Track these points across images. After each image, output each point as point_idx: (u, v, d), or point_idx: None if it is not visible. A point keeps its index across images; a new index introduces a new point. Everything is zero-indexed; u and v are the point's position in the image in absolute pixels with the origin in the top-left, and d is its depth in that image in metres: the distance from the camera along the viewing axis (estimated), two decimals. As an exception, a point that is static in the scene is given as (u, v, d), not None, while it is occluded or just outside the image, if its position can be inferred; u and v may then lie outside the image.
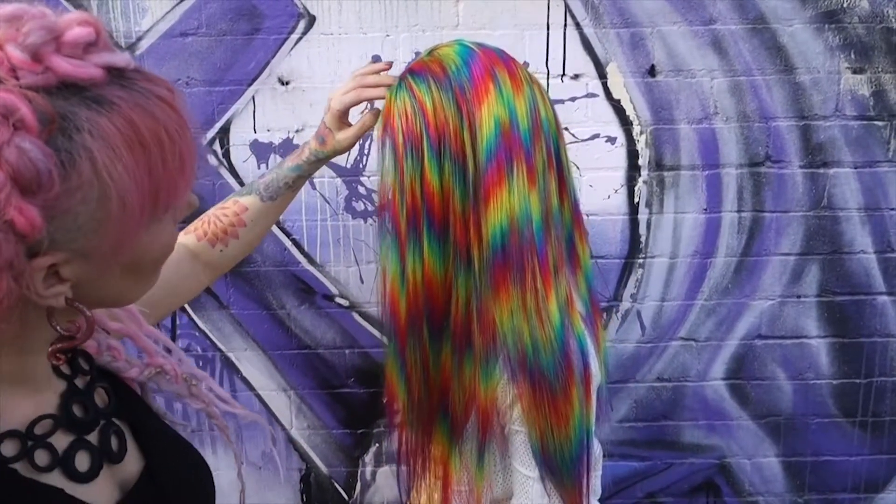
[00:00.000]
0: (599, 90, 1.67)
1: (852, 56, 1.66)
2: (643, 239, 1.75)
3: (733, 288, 1.77)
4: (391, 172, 0.96)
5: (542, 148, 0.95)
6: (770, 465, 1.88)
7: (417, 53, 1.64)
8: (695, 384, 1.83)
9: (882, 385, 1.83)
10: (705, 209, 1.73)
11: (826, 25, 1.65)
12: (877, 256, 1.76)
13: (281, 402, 1.81)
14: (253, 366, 1.79)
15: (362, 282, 1.75)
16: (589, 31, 1.64)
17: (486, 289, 0.92)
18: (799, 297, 1.78)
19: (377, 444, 1.85)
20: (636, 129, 1.69)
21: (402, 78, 0.99)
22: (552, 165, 0.96)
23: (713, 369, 1.82)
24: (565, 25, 1.64)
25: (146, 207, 0.57)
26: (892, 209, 1.74)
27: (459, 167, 0.93)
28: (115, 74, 0.56)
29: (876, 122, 1.69)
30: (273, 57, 1.64)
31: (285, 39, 1.63)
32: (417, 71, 0.98)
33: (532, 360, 0.91)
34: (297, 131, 1.67)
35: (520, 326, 0.91)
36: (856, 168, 1.72)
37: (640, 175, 1.72)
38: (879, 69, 1.67)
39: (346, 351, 1.79)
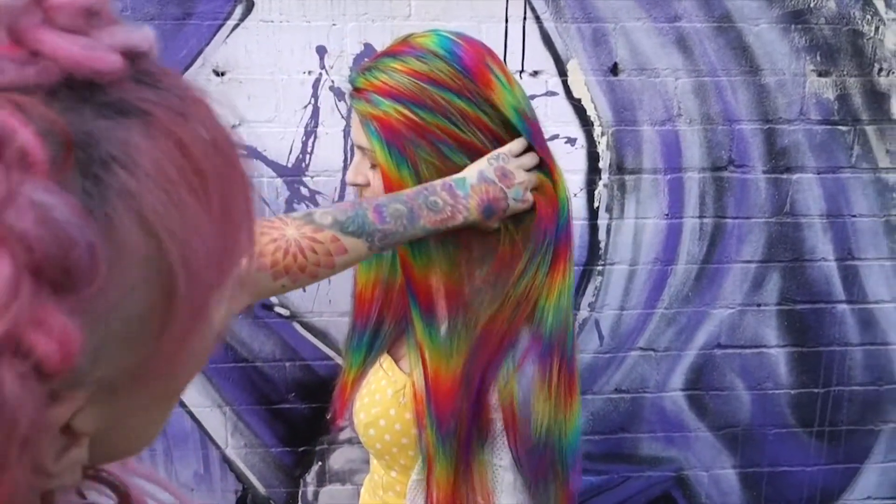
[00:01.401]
0: (559, 88, 1.58)
1: (818, 58, 1.61)
2: (602, 245, 1.67)
3: (693, 296, 1.71)
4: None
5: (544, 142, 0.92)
6: (727, 477, 1.83)
7: (366, 45, 1.51)
8: (653, 395, 1.76)
9: (839, 394, 1.80)
10: (667, 214, 1.66)
11: (792, 26, 1.59)
12: (837, 264, 1.72)
13: (216, 420, 1.68)
14: (184, 381, 1.65)
15: (304, 290, 1.63)
16: (549, 25, 1.55)
17: (545, 265, 0.89)
18: (759, 305, 1.73)
19: (320, 463, 1.73)
20: (597, 130, 1.60)
21: (374, 60, 0.89)
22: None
23: (672, 380, 1.76)
24: (524, 19, 1.54)
25: (214, 277, 0.34)
26: (854, 216, 1.70)
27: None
28: (132, 64, 0.33)
29: (840, 127, 1.65)
30: (207, 45, 1.49)
31: (220, 26, 1.49)
32: (393, 54, 0.88)
33: (564, 337, 0.90)
34: (233, 126, 1.52)
35: (565, 305, 0.90)
36: (819, 174, 1.67)
37: (600, 178, 1.63)
38: (845, 72, 1.62)
39: (287, 364, 1.66)
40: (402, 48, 0.88)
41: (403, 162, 0.87)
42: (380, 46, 1.52)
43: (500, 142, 0.87)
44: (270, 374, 1.66)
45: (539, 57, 1.56)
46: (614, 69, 1.58)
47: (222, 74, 1.51)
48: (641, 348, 1.73)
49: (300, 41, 1.51)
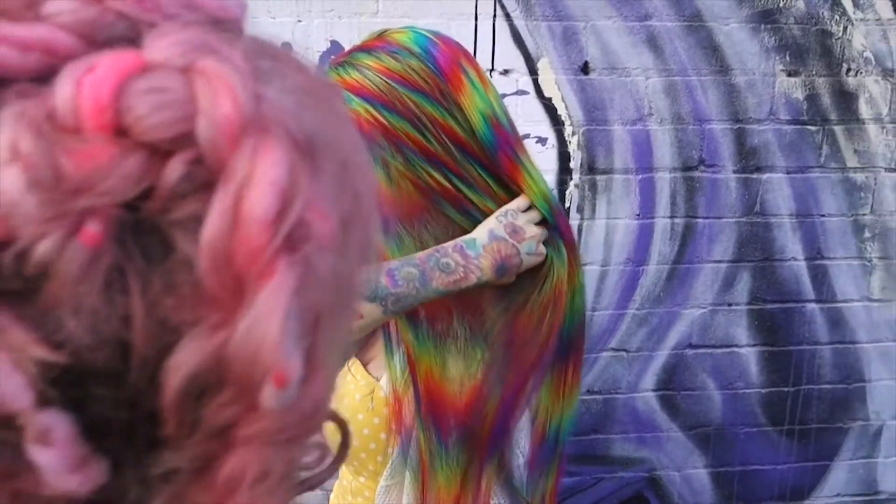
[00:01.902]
0: (530, 87, 1.56)
1: (787, 58, 1.61)
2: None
3: (665, 296, 1.70)
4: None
5: (523, 148, 0.88)
6: (699, 477, 1.83)
7: (333, 42, 1.48)
8: (625, 396, 1.75)
9: (809, 393, 1.81)
10: (638, 215, 1.65)
11: (762, 25, 1.59)
12: (807, 263, 1.73)
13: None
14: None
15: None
16: (520, 23, 1.53)
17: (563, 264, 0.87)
18: (730, 305, 1.73)
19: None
20: (568, 129, 1.59)
21: (347, 55, 0.86)
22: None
23: (644, 380, 1.75)
24: (494, 16, 1.52)
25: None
26: (823, 216, 1.70)
27: (470, 155, 0.83)
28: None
29: (809, 127, 1.65)
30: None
31: (181, 21, 1.44)
32: (366, 49, 0.85)
33: (580, 336, 0.91)
34: (195, 125, 1.49)
35: (580, 304, 0.89)
36: (788, 174, 1.67)
37: (571, 178, 1.62)
38: (814, 72, 1.62)
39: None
40: (376, 43, 0.86)
41: (375, 161, 0.85)
42: (347, 44, 1.49)
43: (465, 150, 0.84)
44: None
45: (509, 55, 1.54)
46: (585, 68, 1.56)
47: (184, 72, 1.46)
48: (613, 349, 1.72)
49: (265, 37, 1.47)
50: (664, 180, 1.64)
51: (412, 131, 0.83)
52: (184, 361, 0.21)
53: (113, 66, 0.21)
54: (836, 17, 1.60)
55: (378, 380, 0.98)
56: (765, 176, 1.66)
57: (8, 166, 0.19)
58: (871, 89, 1.65)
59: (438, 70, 0.82)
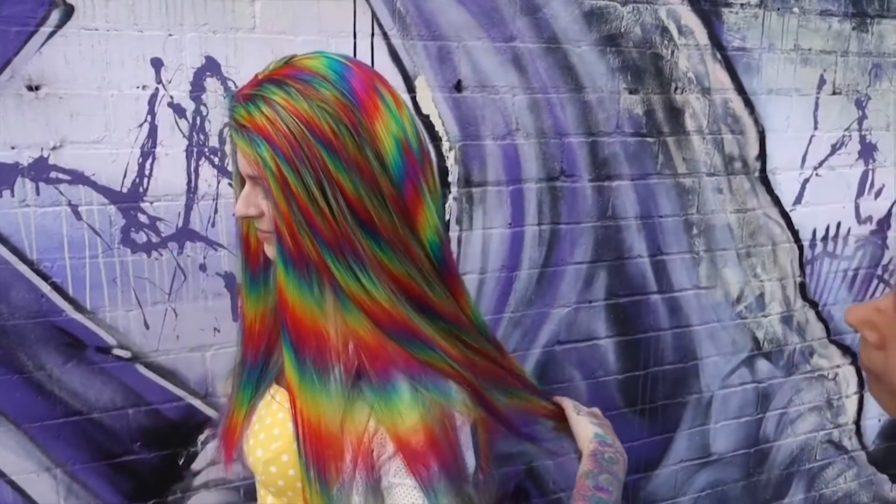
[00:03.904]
0: (409, 104, 1.59)
1: (629, 77, 1.80)
2: (455, 256, 1.71)
3: (536, 298, 1.82)
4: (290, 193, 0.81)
5: (430, 167, 0.90)
6: (570, 462, 1.98)
7: (208, 58, 1.40)
8: (504, 395, 1.85)
9: (655, 374, 2.03)
10: (510, 224, 1.75)
11: (608, 48, 1.76)
12: (650, 260, 1.94)
13: (44, 486, 1.45)
14: (2, 446, 1.41)
15: (147, 327, 1.47)
16: (397, 42, 1.55)
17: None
18: (590, 302, 1.89)
19: (173, 514, 1.57)
20: (445, 144, 1.64)
21: (255, 87, 0.83)
22: (436, 183, 0.91)
23: (520, 379, 1.86)
24: (372, 35, 1.53)
25: None
26: (661, 217, 1.92)
27: (373, 186, 0.82)
28: None
29: (647, 139, 1.85)
30: (15, 55, 1.28)
31: (33, 33, 1.29)
32: (277, 79, 0.82)
33: None
34: (53, 148, 1.33)
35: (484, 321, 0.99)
36: (633, 180, 1.86)
37: (450, 192, 1.67)
38: (650, 90, 1.83)
39: (130, 411, 1.49)
40: (286, 71, 0.83)
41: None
42: (223, 60, 1.42)
43: (375, 187, 0.82)
44: (110, 424, 1.48)
45: (387, 73, 1.56)
46: (458, 86, 1.63)
47: (37, 89, 1.31)
48: (492, 352, 1.80)
49: (132, 52, 1.35)
50: (531, 190, 1.75)
51: (314, 191, 0.80)
52: None
53: None
54: (665, 41, 1.81)
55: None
56: (614, 184, 1.84)
57: None
58: (693, 105, 1.89)
59: (354, 97, 0.82)
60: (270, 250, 0.91)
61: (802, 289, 2.19)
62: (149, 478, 1.53)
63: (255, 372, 1.04)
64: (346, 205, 0.81)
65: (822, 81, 2.05)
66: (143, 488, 1.53)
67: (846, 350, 2.32)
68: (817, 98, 2.06)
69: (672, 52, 1.83)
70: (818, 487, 2.43)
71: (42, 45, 1.29)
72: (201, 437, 1.57)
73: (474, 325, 0.97)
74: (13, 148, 1.31)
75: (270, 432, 0.97)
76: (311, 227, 0.82)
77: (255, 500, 1.04)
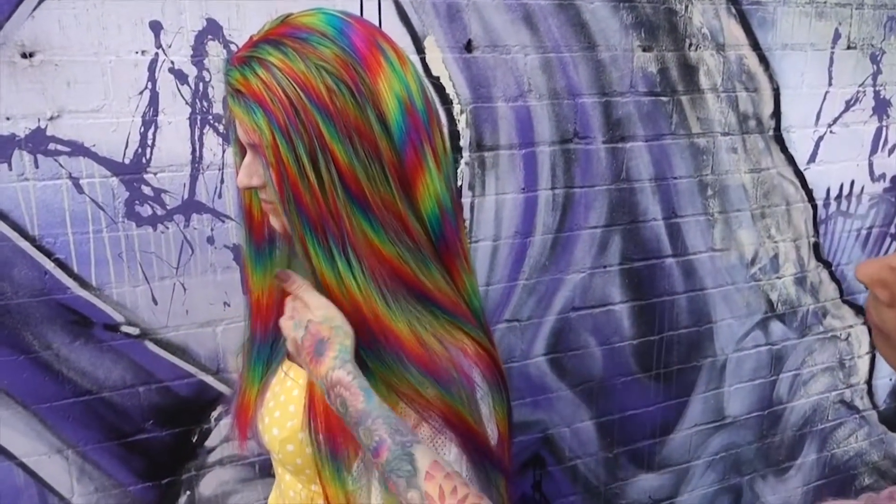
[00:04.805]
0: (418, 66, 1.53)
1: (642, 34, 1.74)
2: (467, 223, 1.67)
3: (550, 265, 1.78)
4: (284, 163, 0.76)
5: (436, 129, 0.83)
6: (586, 429, 1.96)
7: (209, 20, 1.34)
8: (519, 364, 1.82)
9: (670, 339, 2.01)
10: (523, 188, 1.70)
11: (621, 4, 1.69)
12: (664, 223, 1.90)
13: (56, 467, 1.42)
14: (11, 428, 1.37)
15: (155, 303, 1.42)
16: (405, 0, 1.49)
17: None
18: (605, 267, 1.86)
19: (188, 492, 1.54)
20: (456, 108, 1.59)
21: (251, 48, 0.77)
22: (446, 148, 0.85)
23: (535, 347, 1.83)
24: (379, -7, 1.47)
25: None
26: (675, 178, 1.88)
27: (371, 152, 0.77)
28: None
29: (662, 98, 1.80)
30: (6, 20, 1.22)
31: (24, -4, 1.22)
32: (273, 39, 0.76)
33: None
34: (50, 119, 1.27)
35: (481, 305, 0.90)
36: (646, 142, 1.81)
37: (461, 157, 1.62)
38: (664, 48, 1.77)
39: (141, 389, 1.45)
40: (282, 30, 0.77)
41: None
42: (224, 22, 1.35)
43: (374, 152, 0.77)
44: (121, 403, 1.44)
45: (396, 33, 1.49)
46: (468, 46, 1.57)
47: (31, 56, 1.24)
48: (507, 320, 1.77)
49: (129, 16, 1.29)
50: (544, 154, 1.70)
51: (300, 172, 0.76)
52: None
53: None
54: (679, -4, 1.75)
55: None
56: (628, 145, 1.79)
57: None
58: (708, 62, 1.83)
59: (355, 53, 0.76)
60: (276, 221, 0.87)
61: (816, 249, 2.16)
62: (162, 456, 1.50)
63: (266, 348, 1.00)
64: (338, 177, 0.76)
65: (836, 35, 1.99)
66: (156, 467, 1.50)
67: (859, 310, 2.30)
68: (832, 53, 2.00)
69: (686, 7, 1.77)
70: (830, 447, 2.43)
71: (34, 9, 1.23)
72: (214, 414, 1.53)
73: (473, 312, 0.90)
74: (8, 119, 1.25)
75: (286, 409, 0.94)
76: (297, 204, 0.77)
77: (271, 475, 1.01)
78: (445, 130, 0.89)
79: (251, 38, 0.79)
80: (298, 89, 0.74)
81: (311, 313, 0.81)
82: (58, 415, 1.39)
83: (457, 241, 0.85)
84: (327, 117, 0.75)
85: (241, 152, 0.86)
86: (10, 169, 1.27)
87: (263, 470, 1.58)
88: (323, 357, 0.78)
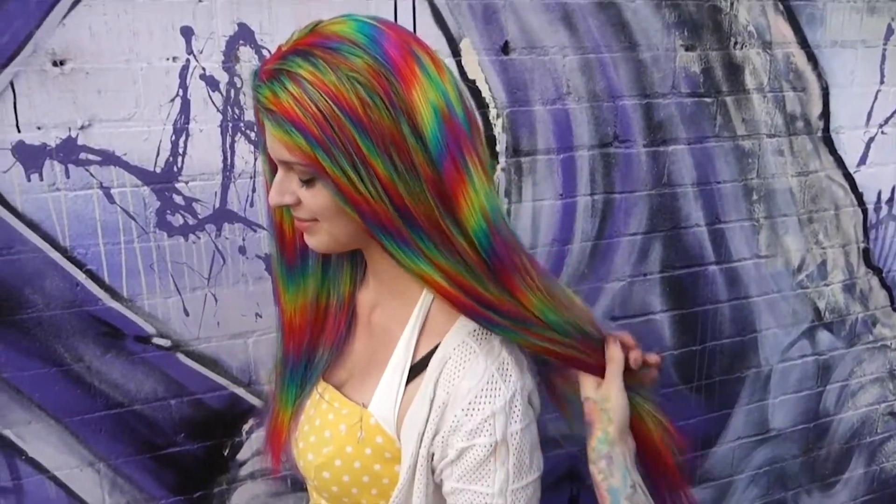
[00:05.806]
0: (454, 69, 1.49)
1: (685, 33, 1.67)
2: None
3: (589, 273, 1.73)
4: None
5: (479, 137, 0.79)
6: (625, 442, 1.90)
7: (241, 25, 1.31)
8: (557, 375, 1.76)
9: (713, 349, 1.94)
10: (561, 194, 1.65)
11: (663, 2, 1.63)
12: (707, 229, 1.83)
13: (88, 481, 1.40)
14: (43, 441, 1.35)
15: (187, 314, 1.39)
16: (440, 1, 1.44)
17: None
18: (645, 275, 1.79)
19: (220, 506, 1.52)
20: (492, 112, 1.54)
21: (279, 60, 0.73)
22: (487, 157, 0.81)
23: (573, 357, 1.77)
24: (414, -6, 1.42)
25: None
26: (719, 182, 1.81)
27: (408, 166, 0.73)
28: None
29: (705, 99, 1.73)
30: (37, 27, 1.19)
31: (55, 3, 1.19)
32: (303, 50, 0.72)
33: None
34: (81, 128, 1.25)
35: (568, 318, 0.89)
36: (689, 144, 1.75)
37: (498, 162, 1.57)
38: (708, 47, 1.70)
39: (172, 401, 1.42)
40: (312, 40, 0.73)
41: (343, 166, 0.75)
42: (256, 27, 1.32)
43: (411, 167, 0.73)
44: (153, 416, 1.41)
45: (431, 36, 1.45)
46: (505, 48, 1.52)
47: (62, 64, 1.22)
48: (544, 330, 1.72)
49: (160, 21, 1.26)
50: (583, 158, 1.65)
51: (344, 174, 0.72)
52: None
53: None
54: (724, -7, 1.68)
55: (364, 405, 0.89)
56: (670, 148, 1.73)
57: None
58: (754, 61, 1.76)
59: (388, 63, 0.71)
60: (311, 239, 0.84)
61: (866, 255, 2.07)
62: (194, 470, 1.48)
63: (299, 369, 0.97)
64: (382, 189, 0.73)
65: (889, 31, 1.90)
66: (188, 480, 1.47)
67: (911, 318, 2.20)
68: (884, 50, 1.91)
69: (731, 4, 1.70)
70: (879, 461, 2.33)
71: (65, 15, 1.20)
72: (246, 427, 1.50)
73: (545, 322, 0.85)
74: (39, 128, 1.23)
75: (321, 434, 0.90)
76: (358, 210, 0.74)
77: (303, 489, 0.98)
78: (484, 138, 0.84)
79: (279, 48, 0.75)
80: (331, 103, 0.70)
81: (597, 389, 0.93)
82: (89, 428, 1.37)
83: (512, 256, 0.79)
84: (363, 131, 0.71)
85: (272, 166, 0.83)
86: (42, 179, 1.25)
87: (295, 484, 1.55)
88: (591, 439, 0.92)
